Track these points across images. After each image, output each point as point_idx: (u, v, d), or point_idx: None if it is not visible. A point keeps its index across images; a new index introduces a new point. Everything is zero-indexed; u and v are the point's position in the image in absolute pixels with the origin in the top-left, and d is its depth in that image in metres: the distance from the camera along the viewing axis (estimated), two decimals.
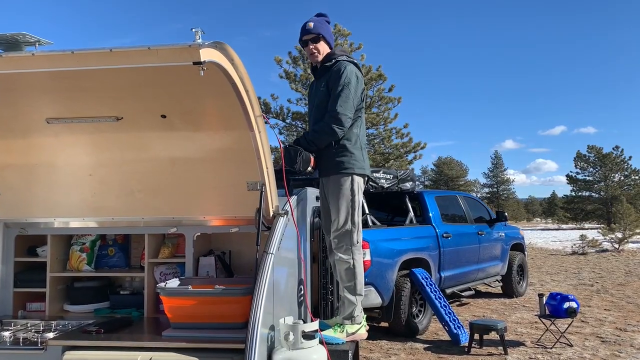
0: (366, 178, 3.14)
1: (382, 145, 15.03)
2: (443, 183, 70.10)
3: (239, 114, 2.06)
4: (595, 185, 45.00)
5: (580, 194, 45.55)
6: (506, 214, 8.08)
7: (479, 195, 78.26)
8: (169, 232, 2.93)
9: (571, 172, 46.45)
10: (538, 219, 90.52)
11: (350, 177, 2.95)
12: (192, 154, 2.51)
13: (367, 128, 15.31)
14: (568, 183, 46.37)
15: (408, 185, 6.59)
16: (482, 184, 77.03)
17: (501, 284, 8.24)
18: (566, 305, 5.34)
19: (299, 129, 16.42)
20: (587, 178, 45.51)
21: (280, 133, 16.71)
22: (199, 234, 2.93)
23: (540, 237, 28.12)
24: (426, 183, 70.16)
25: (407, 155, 14.73)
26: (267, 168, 2.34)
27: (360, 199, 3.03)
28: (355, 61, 3.18)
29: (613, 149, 44.25)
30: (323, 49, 3.13)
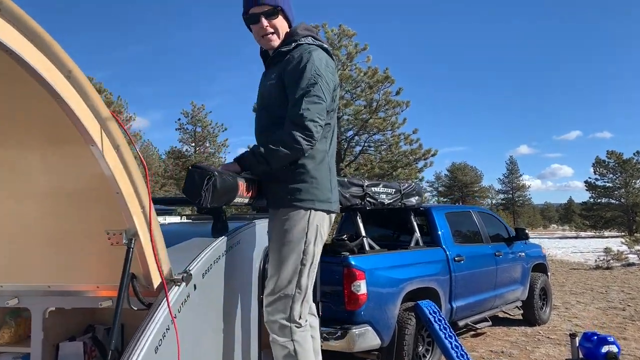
0: (332, 216, 2.20)
1: (390, 153, 14.12)
2: (457, 189, 68.73)
3: (65, 116, 1.20)
4: (616, 192, 43.47)
5: (599, 200, 44.01)
6: (527, 231, 7.12)
7: (494, 202, 76.79)
8: (6, 305, 1.95)
9: (590, 178, 45.01)
10: (555, 225, 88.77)
11: (307, 214, 2.04)
12: (10, 188, 1.63)
13: (374, 133, 14.40)
14: (587, 189, 44.93)
15: (413, 200, 5.68)
16: (497, 190, 75.46)
17: (522, 310, 7.27)
18: (605, 349, 4.40)
19: None
20: (607, 184, 44.00)
21: None
22: (53, 308, 1.97)
23: (559, 247, 26.88)
24: (440, 189, 68.89)
25: (416, 163, 13.82)
26: (141, 207, 1.45)
27: (316, 249, 2.10)
28: (325, 45, 2.27)
29: (634, 154, 42.74)
30: (281, 26, 2.21)
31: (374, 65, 14.19)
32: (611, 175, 43.63)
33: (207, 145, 39.02)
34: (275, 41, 2.21)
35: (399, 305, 4.77)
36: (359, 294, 4.48)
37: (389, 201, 5.33)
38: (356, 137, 14.78)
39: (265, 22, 2.17)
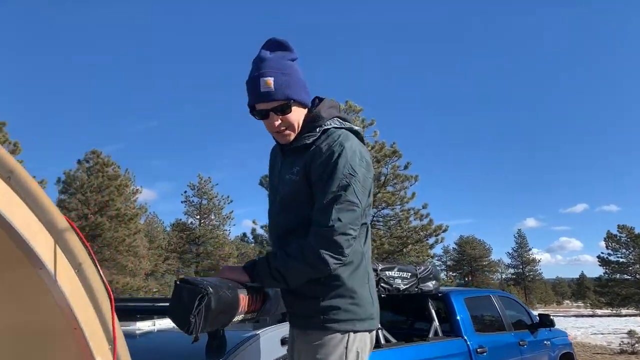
0: (374, 333, 1.81)
1: (399, 228, 13.75)
2: (466, 263, 67.34)
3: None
4: (630, 268, 42.26)
5: (614, 276, 42.70)
6: (552, 317, 6.58)
7: (503, 277, 74.84)
8: None
9: (602, 253, 43.95)
10: (568, 302, 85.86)
11: (345, 337, 1.63)
12: None
13: (382, 208, 14.10)
14: (600, 265, 43.76)
15: (430, 285, 5.24)
16: (506, 264, 73.80)
17: None
18: None
19: None
20: (621, 260, 42.88)
21: None
22: None
23: (576, 326, 25.60)
24: (448, 263, 67.44)
25: (427, 239, 13.40)
26: (109, 344, 1.08)
27: None
28: (356, 128, 1.87)
29: None
30: (297, 118, 1.77)
31: (381, 139, 14.29)
32: (624, 250, 42.63)
33: (212, 217, 38.79)
34: (292, 135, 1.79)
35: None
36: None
37: (405, 286, 4.91)
38: None
39: (276, 118, 1.72)
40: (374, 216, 14.43)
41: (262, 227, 14.67)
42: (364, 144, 1.86)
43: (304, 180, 1.73)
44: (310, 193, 1.72)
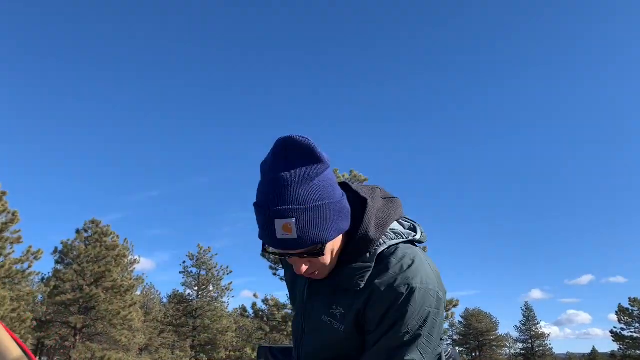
0: None
1: None
2: (473, 337, 64.81)
3: None
4: None
5: (629, 352, 40.81)
6: None
7: (512, 352, 71.67)
8: None
9: (615, 327, 42.29)
10: None
11: None
12: None
13: None
14: (613, 340, 41.97)
15: None
16: (514, 338, 70.93)
17: None
18: None
19: None
20: (634, 335, 41.20)
21: None
22: None
23: None
24: (454, 337, 64.86)
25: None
26: None
27: None
28: (417, 236, 1.32)
29: None
30: (331, 254, 1.21)
31: None
32: (637, 325, 41.05)
33: (211, 288, 37.74)
34: (325, 274, 1.26)
35: None
36: None
37: None
38: None
39: (302, 262, 1.19)
40: None
41: (262, 300, 14.06)
42: (433, 266, 1.29)
43: (354, 328, 1.24)
44: (362, 342, 1.25)
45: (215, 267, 37.87)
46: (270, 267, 14.04)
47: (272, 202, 1.09)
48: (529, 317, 68.79)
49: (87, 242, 26.01)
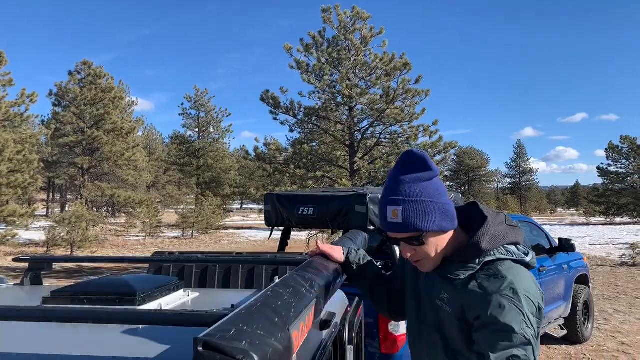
0: None
1: (407, 145, 13.27)
2: (464, 174, 67.88)
3: None
4: (629, 178, 42.53)
5: (611, 187, 43.08)
6: (572, 242, 6.35)
7: (500, 186, 75.87)
8: None
9: (602, 163, 43.97)
10: (561, 209, 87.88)
11: None
12: None
13: (391, 125, 13.54)
14: (599, 175, 43.96)
15: None
16: (504, 174, 74.47)
17: (564, 330, 6.57)
18: None
19: (312, 125, 14.67)
20: (620, 170, 43.02)
21: (291, 130, 14.97)
22: None
23: (572, 235, 26.09)
24: (446, 173, 68.04)
25: (435, 156, 12.98)
26: None
27: None
28: (527, 259, 1.47)
29: None
30: (434, 247, 1.46)
31: (390, 51, 13.34)
32: (624, 161, 42.63)
33: (212, 130, 38.21)
34: (429, 265, 1.50)
35: None
36: (397, 334, 3.76)
37: None
38: (370, 129, 13.92)
39: (408, 249, 1.47)
40: (380, 133, 13.91)
41: (264, 144, 14.22)
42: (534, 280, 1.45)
43: (460, 323, 1.42)
44: (468, 336, 1.40)
45: (214, 109, 37.83)
46: (270, 112, 13.92)
47: (387, 193, 1.44)
48: (520, 154, 71.31)
49: (81, 85, 25.47)
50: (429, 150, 12.90)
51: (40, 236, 19.48)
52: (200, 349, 0.69)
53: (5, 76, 17.95)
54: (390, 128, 13.63)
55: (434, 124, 13.19)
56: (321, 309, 1.25)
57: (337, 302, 2.06)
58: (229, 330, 0.73)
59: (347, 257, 1.77)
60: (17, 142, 17.49)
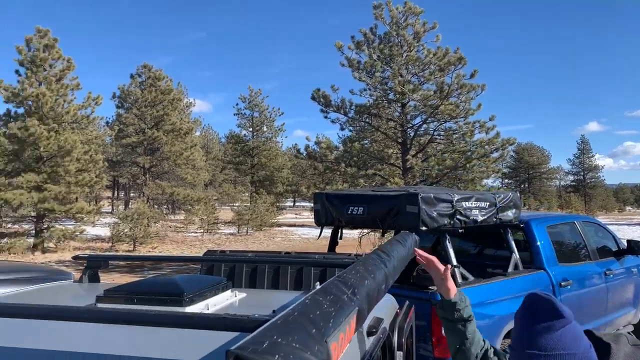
0: None
1: (463, 142, 12.89)
2: (523, 171, 65.36)
3: None
4: None
5: None
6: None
7: (562, 184, 72.40)
8: None
9: None
10: (630, 207, 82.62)
11: None
12: None
13: (445, 121, 13.20)
14: None
15: (510, 214, 4.73)
16: (566, 171, 71.00)
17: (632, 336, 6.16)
18: None
19: (363, 123, 14.53)
20: None
21: (342, 128, 14.91)
22: None
23: None
24: (504, 170, 65.73)
25: (492, 153, 12.51)
26: None
27: None
28: None
29: None
30: None
31: (443, 45, 12.99)
32: None
33: (265, 129, 38.85)
34: None
35: (498, 347, 3.90)
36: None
37: (483, 217, 4.42)
38: (424, 125, 13.64)
39: None
40: (434, 130, 13.56)
41: (315, 143, 14.24)
42: None
43: None
44: None
45: (267, 109, 38.44)
46: (321, 110, 13.92)
47: (522, 346, 1.34)
48: (583, 149, 67.74)
49: (142, 87, 26.59)
50: (486, 147, 12.46)
51: (105, 232, 20.52)
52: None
53: (73, 80, 19.00)
54: (444, 124, 13.29)
55: (490, 120, 12.73)
56: (364, 317, 1.21)
57: (386, 307, 2.01)
58: (262, 343, 0.71)
59: (455, 300, 1.77)
60: (84, 143, 18.50)
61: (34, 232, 17.26)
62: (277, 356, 0.68)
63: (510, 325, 4.06)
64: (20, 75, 17.50)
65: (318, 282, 1.43)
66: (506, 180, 64.43)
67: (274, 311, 1.32)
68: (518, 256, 4.67)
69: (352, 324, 1.02)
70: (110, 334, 1.31)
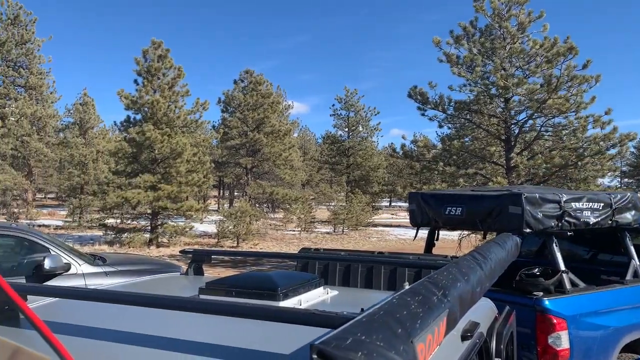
0: None
1: (574, 138, 11.90)
2: None
3: None
4: None
5: None
6: None
7: None
8: None
9: None
10: None
11: None
12: None
13: (553, 116, 12.27)
14: None
15: (629, 216, 4.29)
16: None
17: None
18: None
19: (463, 120, 13.99)
20: None
21: (441, 126, 14.48)
22: None
23: None
24: (623, 169, 59.65)
25: (608, 150, 11.41)
26: None
27: None
28: None
29: None
30: None
31: (552, 34, 12.07)
32: None
33: (360, 129, 38.95)
34: None
35: None
36: (558, 349, 3.41)
37: (596, 219, 4.06)
38: (530, 121, 12.81)
39: None
40: (541, 125, 12.67)
41: (411, 141, 13.99)
42: None
43: None
44: None
45: (362, 109, 38.50)
46: (418, 108, 13.64)
47: None
48: None
49: (244, 92, 27.97)
50: (601, 143, 11.38)
51: (212, 229, 21.89)
52: (314, 356, 0.69)
53: (183, 87, 20.50)
54: (552, 120, 12.36)
55: (606, 114, 11.60)
56: (456, 320, 1.17)
57: (483, 311, 1.93)
58: (345, 339, 0.72)
59: None
60: (192, 146, 19.89)
61: (149, 228, 18.88)
62: (359, 353, 0.69)
63: (628, 338, 3.70)
64: (137, 84, 19.21)
65: (407, 283, 1.41)
66: (625, 180, 58.37)
67: (362, 309, 1.33)
68: (639, 263, 4.23)
69: (441, 326, 0.99)
70: (208, 324, 1.41)
